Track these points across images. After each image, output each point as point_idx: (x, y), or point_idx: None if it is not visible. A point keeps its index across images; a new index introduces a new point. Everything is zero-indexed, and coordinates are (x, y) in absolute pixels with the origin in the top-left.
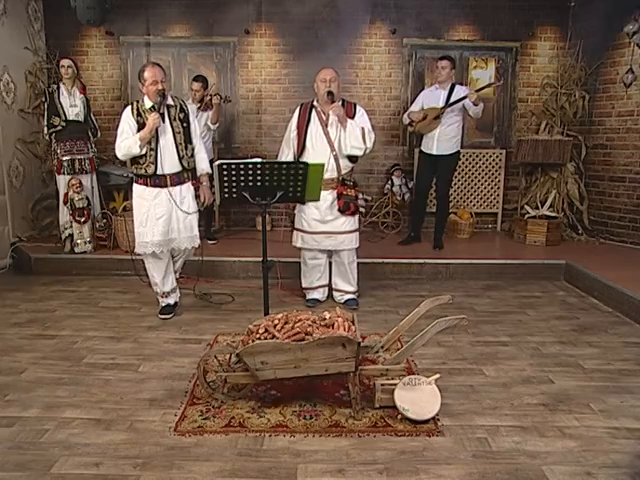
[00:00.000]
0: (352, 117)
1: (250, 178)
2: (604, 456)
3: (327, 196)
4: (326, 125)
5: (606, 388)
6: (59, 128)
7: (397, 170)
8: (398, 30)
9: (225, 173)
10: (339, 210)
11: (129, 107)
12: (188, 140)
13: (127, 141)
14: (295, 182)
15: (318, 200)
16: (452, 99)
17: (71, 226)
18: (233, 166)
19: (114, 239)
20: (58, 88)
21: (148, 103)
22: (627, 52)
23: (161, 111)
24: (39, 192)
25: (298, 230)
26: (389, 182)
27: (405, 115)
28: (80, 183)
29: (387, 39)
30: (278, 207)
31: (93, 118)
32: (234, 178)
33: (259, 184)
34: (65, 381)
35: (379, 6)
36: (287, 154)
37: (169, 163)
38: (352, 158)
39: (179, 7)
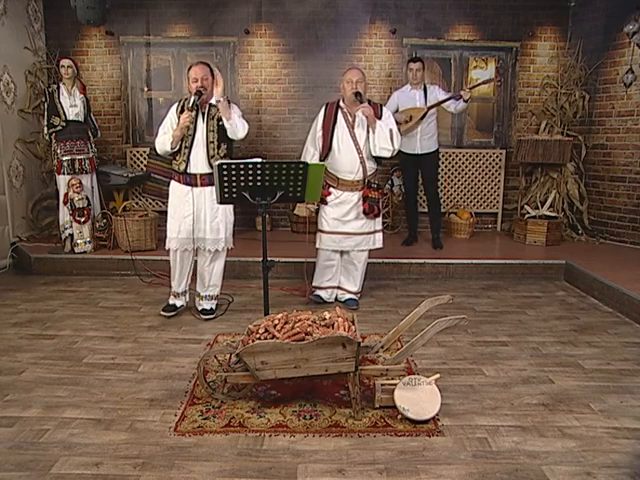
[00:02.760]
0: (379, 118)
1: (250, 178)
2: (604, 456)
3: (352, 197)
4: (353, 127)
5: (606, 388)
6: (59, 128)
7: (397, 170)
8: (398, 30)
9: (225, 173)
10: (364, 212)
11: (176, 103)
12: (222, 139)
13: (163, 137)
14: (295, 182)
15: (318, 200)
16: (429, 98)
17: (71, 226)
18: (233, 166)
19: (114, 239)
20: (58, 88)
21: (192, 101)
22: (627, 52)
23: (202, 110)
24: (39, 192)
25: (319, 231)
26: (389, 182)
27: None
28: (80, 183)
29: (387, 39)
30: (278, 207)
31: (93, 118)
32: (234, 178)
33: (259, 184)
34: (65, 381)
35: (379, 6)
36: (313, 154)
37: (199, 162)
38: (378, 160)
39: (179, 7)
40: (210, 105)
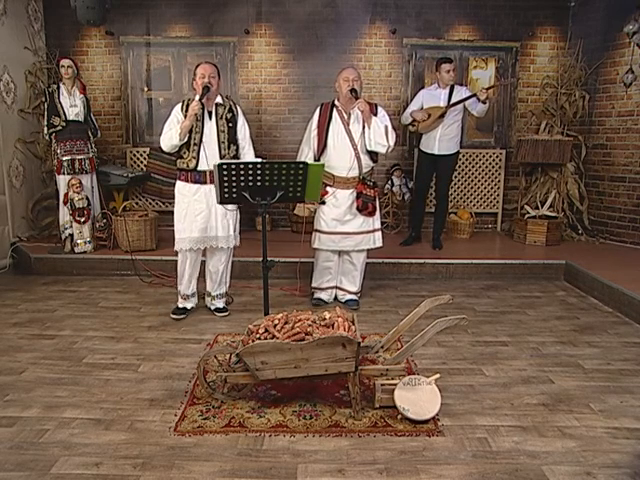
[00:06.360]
0: (374, 115)
1: (250, 178)
2: (604, 456)
3: (349, 195)
4: (348, 124)
5: (606, 388)
6: (59, 128)
7: (397, 170)
8: (398, 30)
9: (225, 173)
10: (357, 209)
11: (180, 103)
12: (232, 140)
13: (170, 132)
14: (295, 182)
15: (318, 200)
16: (454, 98)
17: (71, 226)
18: (233, 166)
19: (114, 239)
20: (58, 88)
21: (201, 93)
22: (627, 52)
23: (209, 109)
24: (39, 192)
25: (317, 231)
26: (389, 182)
27: (406, 114)
28: (80, 183)
29: (387, 39)
30: (278, 207)
31: (93, 118)
32: (234, 178)
33: (259, 184)
34: (65, 381)
35: (379, 6)
36: (307, 153)
37: (210, 160)
38: (373, 157)
39: (179, 7)
40: (217, 105)
